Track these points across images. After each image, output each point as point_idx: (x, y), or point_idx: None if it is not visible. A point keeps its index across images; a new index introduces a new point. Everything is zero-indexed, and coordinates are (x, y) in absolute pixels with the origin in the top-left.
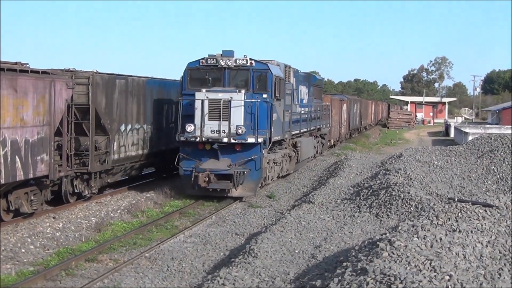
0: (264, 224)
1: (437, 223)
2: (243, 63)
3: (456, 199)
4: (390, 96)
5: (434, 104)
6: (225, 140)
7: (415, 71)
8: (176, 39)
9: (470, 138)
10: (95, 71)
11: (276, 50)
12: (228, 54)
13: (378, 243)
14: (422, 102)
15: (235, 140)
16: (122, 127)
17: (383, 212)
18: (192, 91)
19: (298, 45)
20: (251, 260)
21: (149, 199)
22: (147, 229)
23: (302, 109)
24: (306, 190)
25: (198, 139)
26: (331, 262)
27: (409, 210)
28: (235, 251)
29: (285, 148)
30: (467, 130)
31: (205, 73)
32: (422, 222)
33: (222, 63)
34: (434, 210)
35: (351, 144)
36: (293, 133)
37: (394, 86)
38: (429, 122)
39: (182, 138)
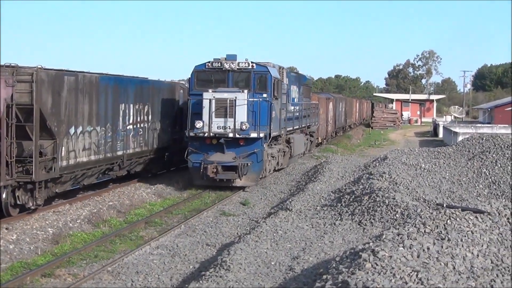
0: (237, 233)
1: (424, 231)
2: (245, 66)
3: (444, 205)
4: (374, 94)
5: (421, 102)
6: (231, 135)
7: (401, 66)
8: (160, 39)
9: (460, 138)
10: (40, 66)
11: (252, 45)
12: (232, 57)
13: (360, 253)
14: (409, 99)
15: (239, 135)
16: (72, 130)
17: (366, 220)
18: (199, 92)
19: (275, 40)
20: (223, 273)
21: (111, 207)
22: (109, 240)
23: (294, 107)
24: (283, 196)
25: (206, 134)
26: (310, 275)
27: (395, 217)
28: (205, 264)
29: (280, 144)
30: (457, 130)
31: (210, 75)
32: (408, 230)
33: (226, 66)
34: (421, 217)
35: (332, 146)
36: (288, 129)
37: (378, 82)
38: (416, 121)
39: (191, 134)
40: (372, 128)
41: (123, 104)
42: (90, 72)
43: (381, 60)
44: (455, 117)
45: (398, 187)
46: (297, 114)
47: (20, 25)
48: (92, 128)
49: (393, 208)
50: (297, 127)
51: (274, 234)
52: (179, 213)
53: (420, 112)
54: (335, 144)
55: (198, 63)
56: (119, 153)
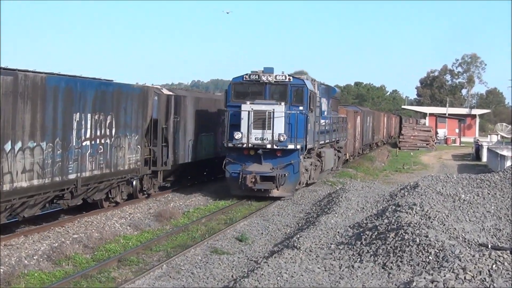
0: (232, 276)
1: (465, 278)
2: (282, 79)
3: (489, 246)
4: (403, 106)
5: (461, 118)
6: (269, 146)
7: (436, 73)
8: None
9: (508, 163)
10: None
11: (261, 49)
12: (269, 70)
13: None
14: (445, 114)
15: (277, 146)
16: (8, 146)
17: (392, 262)
18: (236, 103)
19: (282, 42)
20: None
21: (77, 241)
22: (73, 282)
23: (324, 121)
24: (288, 231)
25: (245, 145)
26: None
27: (427, 260)
28: None
29: (312, 157)
30: (504, 152)
31: (248, 87)
32: (445, 276)
33: (264, 78)
34: (460, 261)
35: (350, 170)
36: (320, 143)
37: (408, 92)
38: (454, 141)
39: (230, 144)
40: (399, 148)
41: (78, 114)
42: (35, 71)
43: (412, 65)
44: (502, 136)
45: (431, 222)
46: (327, 127)
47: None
48: (35, 144)
49: (426, 248)
50: (328, 141)
51: (278, 278)
52: (161, 250)
53: (459, 130)
54: (354, 167)
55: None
56: (72, 176)
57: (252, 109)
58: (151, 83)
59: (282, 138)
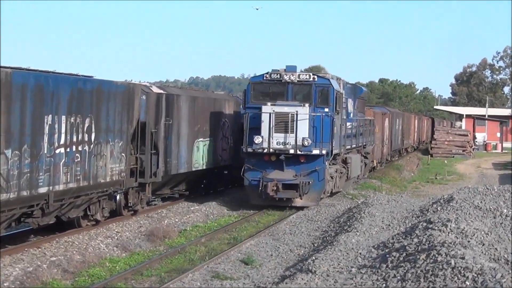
0: None
1: None
2: (306, 78)
3: None
4: (435, 107)
5: (503, 120)
6: (292, 151)
7: (474, 68)
8: None
9: None
10: None
11: (272, 42)
12: (292, 69)
13: None
14: (485, 116)
15: (301, 151)
16: None
17: None
18: (256, 105)
19: (293, 34)
20: None
21: (55, 264)
22: None
23: (350, 123)
24: (302, 252)
25: (266, 151)
26: None
27: (464, 286)
28: None
29: (337, 163)
30: None
31: (268, 87)
32: None
33: (286, 77)
34: (502, 287)
35: (374, 181)
36: (346, 148)
37: (441, 90)
38: (495, 147)
39: (249, 150)
40: (431, 155)
41: (50, 116)
42: None
43: (446, 59)
44: None
45: (468, 241)
46: (354, 131)
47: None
48: None
49: (462, 272)
50: (354, 145)
51: None
52: (153, 275)
53: (501, 134)
54: (379, 177)
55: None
56: (42, 190)
57: (273, 110)
58: (140, 80)
59: (306, 143)
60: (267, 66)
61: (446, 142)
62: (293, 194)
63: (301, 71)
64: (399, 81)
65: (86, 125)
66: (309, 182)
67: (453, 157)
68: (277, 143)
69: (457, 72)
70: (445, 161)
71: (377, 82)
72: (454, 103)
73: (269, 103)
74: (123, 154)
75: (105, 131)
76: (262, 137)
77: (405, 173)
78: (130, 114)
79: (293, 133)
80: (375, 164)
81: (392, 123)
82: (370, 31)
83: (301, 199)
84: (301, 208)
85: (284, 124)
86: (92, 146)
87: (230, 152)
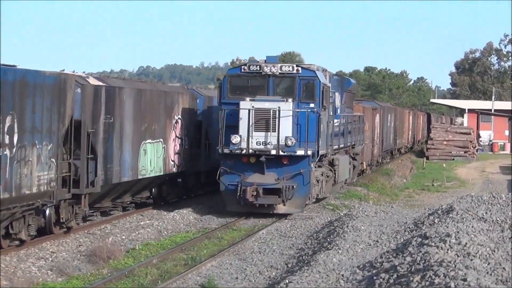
0: None
1: None
2: (289, 70)
3: None
4: (432, 100)
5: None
6: (274, 152)
7: (477, 54)
8: None
9: None
10: None
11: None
12: (272, 60)
13: None
14: (491, 110)
15: (284, 152)
16: None
17: None
18: (233, 100)
19: (267, 16)
20: None
21: None
22: None
23: (337, 120)
24: (274, 274)
25: (244, 151)
26: None
27: None
28: None
29: (323, 166)
30: None
31: (247, 80)
32: None
33: (266, 69)
34: None
35: (359, 189)
36: (333, 148)
37: (439, 81)
38: (502, 147)
39: (226, 151)
40: (427, 158)
41: None
42: None
43: (444, 44)
44: None
45: (471, 260)
46: (342, 129)
47: None
48: None
49: None
50: (342, 145)
51: None
52: None
53: (509, 132)
54: (365, 185)
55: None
56: None
57: (253, 107)
58: (77, 70)
59: (289, 143)
60: (231, 53)
61: (444, 142)
62: (275, 200)
63: (283, 62)
64: (389, 70)
65: (7, 124)
66: (293, 187)
67: (453, 159)
68: (257, 143)
69: (457, 59)
70: (444, 165)
71: (363, 72)
72: (454, 95)
73: (247, 98)
74: (53, 160)
75: (31, 132)
76: (240, 136)
77: (396, 179)
78: (62, 110)
79: (275, 131)
80: (364, 167)
81: (383, 119)
82: (352, 12)
83: (284, 205)
84: (284, 215)
85: (265, 121)
86: (14, 150)
87: (184, 156)
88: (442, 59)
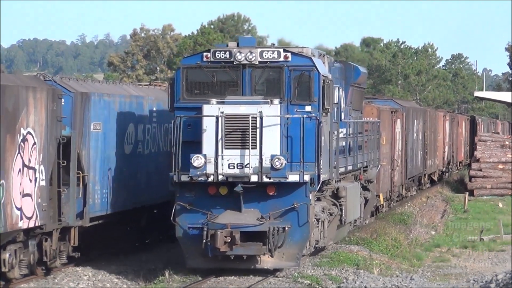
0: None
1: None
2: (274, 57)
3: None
4: (477, 93)
5: None
6: (254, 178)
7: None
8: None
9: None
10: None
11: None
12: (248, 42)
13: None
14: None
15: (269, 178)
16: None
17: None
18: (193, 104)
19: None
20: None
21: None
22: None
23: (343, 129)
24: None
25: (211, 179)
26: None
27: None
28: None
29: (324, 198)
30: None
31: (211, 74)
32: None
33: (240, 57)
34: None
35: (355, 248)
36: (339, 171)
37: (489, 61)
38: None
39: (184, 178)
40: (471, 193)
41: None
42: None
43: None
44: None
45: None
46: (349, 142)
47: None
48: None
49: None
50: (350, 167)
51: None
52: None
53: None
54: (366, 241)
55: None
56: None
57: (222, 112)
58: None
59: (277, 164)
60: (131, 19)
61: (500, 166)
62: (258, 249)
63: (264, 46)
64: (403, 43)
65: None
66: (284, 228)
67: None
68: (229, 166)
69: None
70: (500, 204)
71: (358, 46)
72: None
73: (213, 101)
74: None
75: None
76: (205, 156)
77: (418, 231)
78: None
79: (255, 148)
80: (381, 201)
81: (407, 128)
82: None
83: (271, 256)
84: (271, 272)
85: (240, 134)
86: None
87: (39, 199)
88: (492, 24)
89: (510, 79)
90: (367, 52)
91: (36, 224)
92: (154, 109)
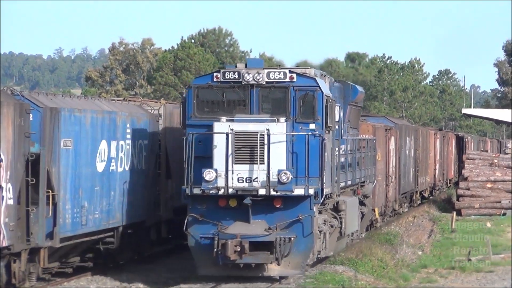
0: None
1: None
2: (280, 78)
3: None
4: (465, 110)
5: None
6: (262, 192)
7: None
8: None
9: None
10: None
11: None
12: (256, 64)
13: None
14: None
15: (276, 192)
16: None
17: None
18: (204, 121)
19: None
20: None
21: None
22: None
23: (343, 146)
24: None
25: (222, 192)
26: None
27: None
28: None
29: (325, 211)
30: None
31: (221, 93)
32: None
33: (248, 78)
34: None
35: (340, 269)
36: (340, 186)
37: (477, 77)
38: None
39: (196, 191)
40: (459, 212)
41: None
42: None
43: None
44: None
45: None
46: (348, 158)
47: None
48: None
49: None
50: (350, 182)
51: None
52: None
53: None
54: (351, 260)
55: None
56: None
57: (232, 129)
58: None
59: (284, 178)
60: (110, 34)
61: (488, 185)
62: (266, 258)
63: (271, 67)
64: (390, 58)
65: None
66: (290, 239)
67: (504, 215)
68: (238, 180)
69: (507, 38)
70: (488, 224)
71: (343, 61)
72: (502, 100)
73: (223, 118)
74: None
75: None
76: (216, 170)
77: (405, 251)
78: None
79: (263, 163)
80: (376, 215)
81: (400, 145)
82: None
83: (278, 264)
84: (276, 280)
85: (249, 150)
86: None
87: (6, 219)
88: (481, 39)
89: (499, 95)
90: (352, 68)
91: (3, 245)
92: (128, 125)
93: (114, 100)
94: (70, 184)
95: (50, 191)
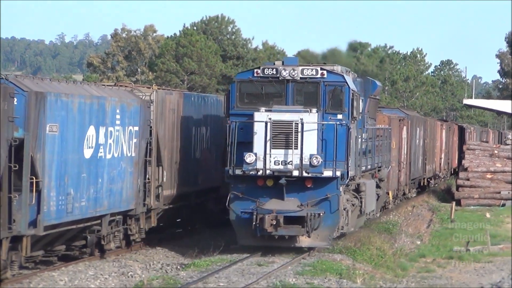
0: None
1: None
2: (313, 74)
3: None
4: (466, 101)
5: None
6: (296, 173)
7: None
8: None
9: None
10: None
11: None
12: (292, 62)
13: None
14: None
15: (308, 173)
16: None
17: None
18: (245, 111)
19: None
20: None
21: None
22: None
23: (364, 134)
24: None
25: (261, 173)
26: None
27: None
28: None
29: (348, 192)
30: None
31: (261, 86)
32: None
33: (285, 74)
34: None
35: (338, 257)
36: (361, 169)
37: (479, 68)
38: None
39: (238, 172)
40: (458, 202)
41: None
42: None
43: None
44: None
45: None
46: (369, 145)
47: None
48: None
49: None
50: (369, 166)
51: None
52: None
53: None
54: (349, 249)
55: None
56: None
57: (270, 118)
58: None
59: (315, 162)
60: (112, 20)
61: (488, 175)
62: (298, 231)
63: (305, 65)
64: (391, 48)
65: None
66: (319, 214)
67: (504, 205)
68: (275, 163)
69: (508, 30)
70: (487, 214)
71: (345, 51)
72: (505, 92)
73: (263, 109)
74: None
75: None
76: (256, 154)
77: (403, 240)
78: None
79: (297, 148)
80: (390, 198)
81: (411, 134)
82: None
83: (308, 237)
84: (307, 250)
85: (285, 136)
86: None
87: None
88: (484, 31)
89: (500, 86)
90: (354, 57)
91: None
92: (118, 111)
93: (104, 85)
94: (56, 170)
95: (34, 178)
